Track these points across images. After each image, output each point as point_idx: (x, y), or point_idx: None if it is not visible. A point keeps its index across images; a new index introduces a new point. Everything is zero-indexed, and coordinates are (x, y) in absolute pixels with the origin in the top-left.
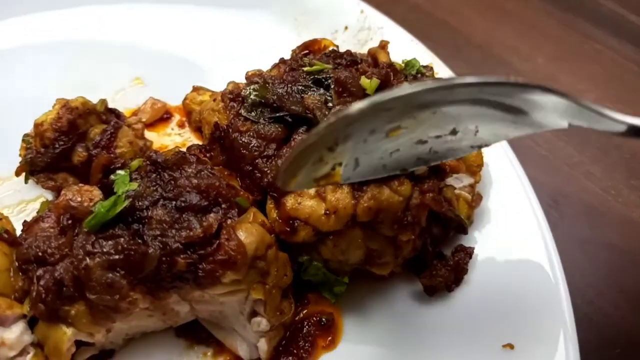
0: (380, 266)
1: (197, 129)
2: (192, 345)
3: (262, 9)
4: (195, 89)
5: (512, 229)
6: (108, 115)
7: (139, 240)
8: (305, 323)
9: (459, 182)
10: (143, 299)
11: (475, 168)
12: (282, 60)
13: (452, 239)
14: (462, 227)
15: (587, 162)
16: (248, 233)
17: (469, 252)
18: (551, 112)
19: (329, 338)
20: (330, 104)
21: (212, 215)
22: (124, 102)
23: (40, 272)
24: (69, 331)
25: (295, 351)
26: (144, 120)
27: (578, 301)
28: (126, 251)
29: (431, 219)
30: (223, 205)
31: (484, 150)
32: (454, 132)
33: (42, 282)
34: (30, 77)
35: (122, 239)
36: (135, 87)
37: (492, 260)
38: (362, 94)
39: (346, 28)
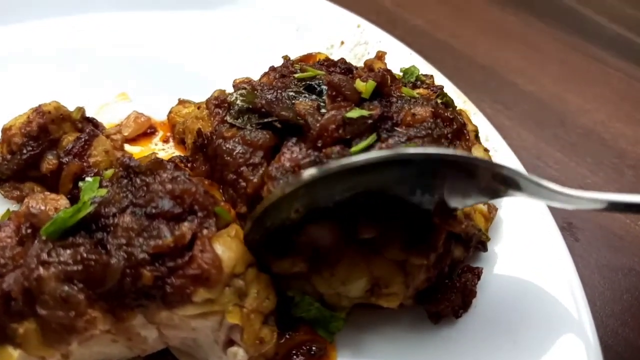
0: (388, 297)
1: (181, 142)
2: None
3: (254, 25)
4: (181, 102)
5: (525, 245)
6: (85, 124)
7: (102, 250)
8: (293, 352)
9: None
10: (103, 318)
11: None
12: (272, 68)
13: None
14: (482, 243)
15: (602, 182)
16: (226, 247)
17: (477, 273)
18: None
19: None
20: (323, 110)
21: (186, 224)
22: (108, 116)
23: None
24: (15, 353)
25: None
26: (126, 134)
27: (600, 332)
28: (86, 261)
29: (451, 239)
30: (199, 214)
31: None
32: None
33: None
34: (9, 89)
35: (82, 248)
36: (121, 102)
37: (503, 280)
38: (358, 97)
39: (342, 43)
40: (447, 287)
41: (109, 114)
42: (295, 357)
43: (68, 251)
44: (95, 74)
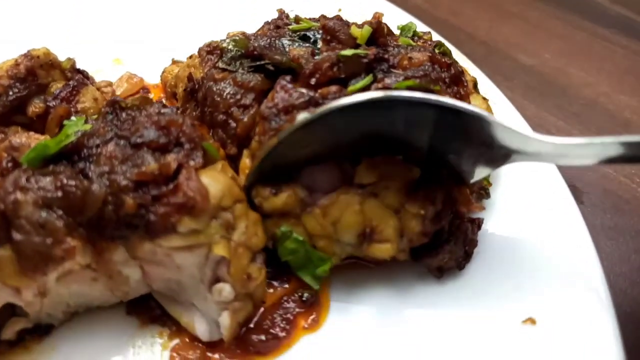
0: (380, 246)
1: (173, 96)
2: (145, 324)
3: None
4: (175, 62)
5: (528, 191)
6: (74, 74)
7: (83, 178)
8: (284, 299)
9: None
10: (82, 249)
11: None
12: (267, 22)
13: None
14: (484, 189)
15: None
16: (213, 180)
17: (477, 223)
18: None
19: (312, 317)
20: (317, 57)
21: (172, 154)
22: (99, 78)
23: None
24: None
25: (270, 330)
26: (118, 93)
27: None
28: (66, 187)
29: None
30: (186, 146)
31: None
32: None
33: None
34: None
35: (62, 175)
36: (115, 66)
37: (506, 226)
38: (353, 43)
39: (339, 10)
40: (447, 239)
41: (102, 76)
42: (286, 303)
43: (48, 178)
44: (89, 39)
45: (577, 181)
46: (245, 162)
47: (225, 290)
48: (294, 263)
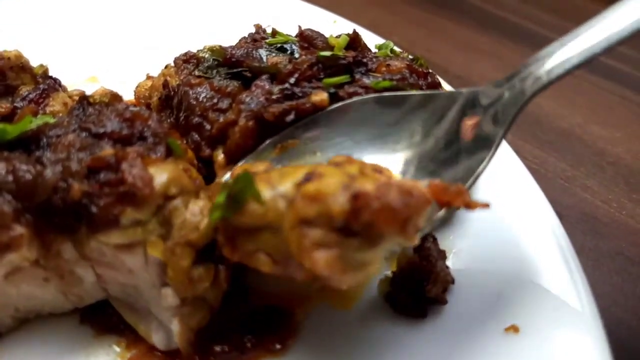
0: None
1: (146, 107)
2: (101, 333)
3: (230, 18)
4: (149, 77)
5: (505, 201)
6: (46, 80)
7: (37, 164)
8: (251, 312)
9: None
10: (29, 239)
11: None
12: (244, 37)
13: None
14: None
15: (583, 176)
16: (161, 169)
17: (442, 256)
18: None
19: (280, 336)
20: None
21: (134, 147)
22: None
23: None
24: None
25: (232, 343)
26: None
27: None
28: (18, 172)
29: None
30: (150, 140)
31: None
32: None
33: None
34: None
35: (16, 160)
36: (90, 84)
37: (485, 231)
38: (330, 51)
39: (334, 22)
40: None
41: None
42: (252, 316)
43: (1, 163)
44: (66, 57)
45: (556, 205)
46: (219, 158)
47: (169, 294)
48: None
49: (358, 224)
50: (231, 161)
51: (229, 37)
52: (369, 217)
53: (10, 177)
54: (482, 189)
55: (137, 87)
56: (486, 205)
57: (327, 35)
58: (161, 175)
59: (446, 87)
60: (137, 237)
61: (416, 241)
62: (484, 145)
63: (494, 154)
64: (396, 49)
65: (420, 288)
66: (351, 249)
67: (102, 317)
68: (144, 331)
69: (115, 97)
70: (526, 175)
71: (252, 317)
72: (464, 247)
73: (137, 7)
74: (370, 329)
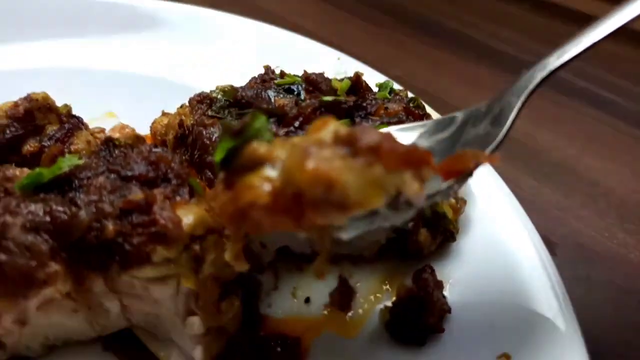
0: None
1: (162, 144)
2: None
3: (240, 55)
4: (164, 114)
5: (499, 234)
6: (69, 119)
7: (72, 205)
8: (262, 339)
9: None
10: (64, 275)
11: None
12: (254, 77)
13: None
14: (450, 232)
15: (576, 207)
16: (187, 210)
17: (439, 286)
18: None
19: None
20: (302, 103)
21: (159, 189)
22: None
23: None
24: None
25: None
26: None
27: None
28: (54, 213)
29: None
30: (173, 182)
31: None
32: None
33: None
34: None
35: (52, 202)
36: (108, 119)
37: (480, 263)
38: (334, 94)
39: (323, 73)
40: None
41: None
42: (264, 344)
43: (38, 204)
44: (85, 93)
45: (550, 235)
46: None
47: (196, 323)
48: None
49: (362, 148)
50: None
51: (241, 73)
52: (374, 142)
53: (47, 218)
54: (476, 223)
55: (153, 122)
56: (497, 159)
57: (332, 70)
58: (188, 216)
59: None
60: (170, 271)
61: (422, 192)
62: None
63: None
64: (396, 86)
65: (418, 317)
66: (355, 165)
67: (125, 345)
68: (165, 358)
69: (138, 139)
70: (518, 209)
71: (263, 344)
72: (460, 278)
73: (151, 46)
74: (374, 356)
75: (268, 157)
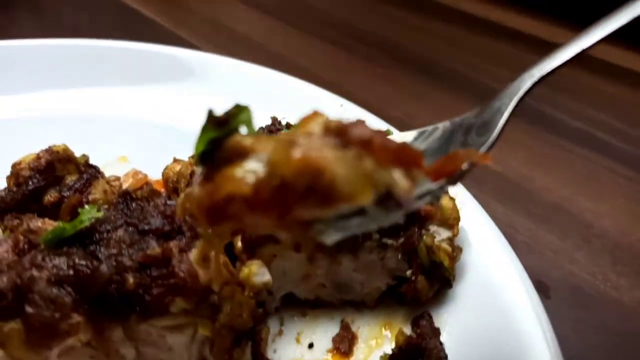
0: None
1: (174, 191)
2: None
3: (249, 101)
4: (176, 161)
5: (493, 281)
6: (87, 168)
7: (93, 259)
8: None
9: (437, 235)
10: (85, 326)
11: (452, 221)
12: (261, 127)
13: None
14: (447, 279)
15: (570, 249)
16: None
17: (436, 334)
18: None
19: None
20: None
21: (174, 242)
22: (108, 174)
23: None
24: None
25: None
26: (124, 187)
27: None
28: (77, 266)
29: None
30: (187, 234)
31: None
32: None
33: None
34: (19, 149)
35: (75, 256)
36: (121, 163)
37: (475, 309)
38: None
39: (341, 105)
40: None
41: (110, 172)
42: None
43: (62, 258)
44: (100, 138)
45: (544, 278)
46: (238, 245)
47: None
48: None
49: (353, 140)
50: (248, 248)
51: None
52: (366, 135)
53: (71, 272)
54: (471, 270)
55: (165, 169)
56: (488, 160)
57: (335, 116)
58: (204, 268)
59: None
60: (188, 320)
61: (412, 191)
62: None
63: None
64: (396, 133)
65: None
66: (345, 157)
67: None
68: None
69: (153, 192)
70: (512, 256)
71: None
72: (456, 324)
73: (163, 92)
74: None
75: (253, 150)
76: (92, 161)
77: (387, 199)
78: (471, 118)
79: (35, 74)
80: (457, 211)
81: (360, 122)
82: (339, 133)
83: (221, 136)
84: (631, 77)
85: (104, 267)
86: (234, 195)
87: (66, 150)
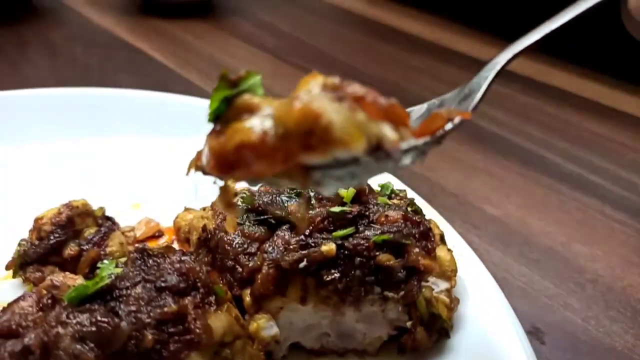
0: None
1: (185, 241)
2: None
3: None
4: (187, 210)
5: (488, 331)
6: (104, 220)
7: (114, 316)
8: None
9: (435, 286)
10: None
11: (450, 273)
12: None
13: None
14: (445, 330)
15: (564, 294)
16: (217, 319)
17: None
18: None
19: None
20: (311, 211)
21: (189, 298)
22: (122, 222)
23: (10, 342)
24: None
25: None
26: (137, 234)
27: None
28: (99, 323)
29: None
30: (201, 290)
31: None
32: None
33: (8, 349)
34: (36, 199)
35: (97, 313)
36: (133, 210)
37: (472, 358)
38: (340, 201)
39: None
40: None
41: (124, 219)
42: None
43: (85, 315)
44: (114, 186)
45: (539, 323)
46: (247, 299)
47: None
48: None
49: (348, 95)
50: (256, 302)
51: None
52: (359, 93)
53: (93, 328)
54: (468, 320)
55: (176, 218)
56: (468, 115)
57: None
58: (218, 325)
59: (439, 218)
60: None
61: (399, 144)
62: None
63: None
64: (396, 187)
65: None
66: (340, 108)
67: None
68: None
69: (168, 249)
70: (507, 306)
71: None
72: None
73: (174, 145)
74: None
75: (260, 107)
76: (106, 206)
77: (377, 149)
78: (453, 94)
79: (52, 122)
80: (455, 263)
81: (354, 83)
82: (335, 89)
83: (233, 95)
84: (625, 120)
85: (124, 324)
86: (244, 143)
87: (85, 205)
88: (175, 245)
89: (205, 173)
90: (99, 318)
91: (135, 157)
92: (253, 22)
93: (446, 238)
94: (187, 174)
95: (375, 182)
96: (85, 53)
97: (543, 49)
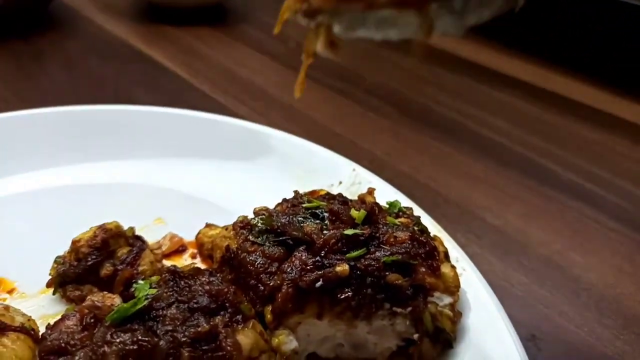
0: None
1: (208, 257)
2: None
3: (268, 168)
4: (208, 225)
5: (487, 341)
6: (134, 240)
7: (152, 335)
8: None
9: (440, 301)
10: None
11: (453, 289)
12: (285, 200)
13: None
14: (448, 342)
15: (560, 303)
16: (245, 336)
17: None
18: None
19: None
20: (325, 231)
21: (219, 317)
22: (147, 236)
23: (62, 359)
24: None
25: None
26: (163, 249)
27: None
28: (140, 342)
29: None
30: (229, 310)
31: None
32: None
33: None
34: (65, 215)
35: (137, 332)
36: (157, 225)
37: None
38: (352, 222)
39: (340, 182)
40: None
41: (148, 235)
42: None
43: (127, 335)
44: (139, 203)
45: (535, 331)
46: (268, 316)
47: None
48: None
49: None
50: (277, 318)
51: (265, 185)
52: None
53: (135, 347)
54: (469, 331)
55: (198, 233)
56: None
57: (347, 180)
58: (246, 341)
59: (443, 234)
60: None
61: None
62: None
63: None
64: (404, 205)
65: None
66: None
67: None
68: None
69: (197, 271)
70: (505, 317)
71: None
72: None
73: (193, 164)
74: None
75: None
76: (132, 223)
77: None
78: None
79: (74, 140)
80: (458, 279)
81: None
82: None
83: None
84: (624, 127)
85: (162, 343)
86: None
87: (118, 227)
88: (198, 260)
89: (308, 13)
90: (139, 337)
91: (153, 173)
92: (263, 29)
93: (450, 252)
94: (277, 29)
95: (383, 200)
96: (100, 64)
97: (544, 55)
